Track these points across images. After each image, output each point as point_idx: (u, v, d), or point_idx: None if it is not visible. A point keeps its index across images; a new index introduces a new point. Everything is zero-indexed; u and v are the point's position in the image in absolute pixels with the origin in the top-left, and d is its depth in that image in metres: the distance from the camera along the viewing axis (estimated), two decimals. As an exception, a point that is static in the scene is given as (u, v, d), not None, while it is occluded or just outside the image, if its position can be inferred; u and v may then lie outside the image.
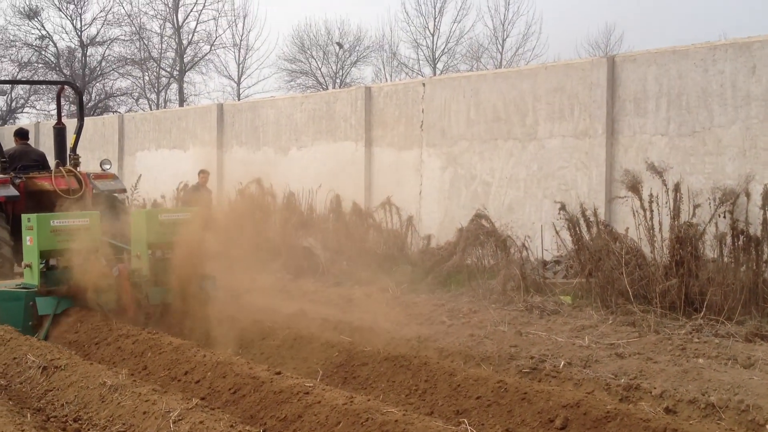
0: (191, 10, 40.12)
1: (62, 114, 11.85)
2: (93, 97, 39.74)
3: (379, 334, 7.43)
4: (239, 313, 8.22)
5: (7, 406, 5.46)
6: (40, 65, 39.38)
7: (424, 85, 13.02)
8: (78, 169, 10.55)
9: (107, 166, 11.70)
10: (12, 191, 9.84)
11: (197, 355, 6.61)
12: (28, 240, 8.46)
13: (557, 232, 9.23)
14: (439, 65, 39.44)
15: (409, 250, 12.02)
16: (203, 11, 40.14)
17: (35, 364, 6.69)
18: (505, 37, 39.30)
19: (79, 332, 8.10)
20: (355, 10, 60.26)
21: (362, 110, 13.83)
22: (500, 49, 39.34)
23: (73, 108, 38.28)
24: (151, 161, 18.43)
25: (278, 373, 5.91)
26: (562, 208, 9.18)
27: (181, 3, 39.78)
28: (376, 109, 13.72)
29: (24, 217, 8.61)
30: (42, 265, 8.40)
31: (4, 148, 10.66)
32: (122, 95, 41.01)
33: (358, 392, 5.67)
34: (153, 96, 41.51)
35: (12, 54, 39.19)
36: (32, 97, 40.21)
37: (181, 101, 39.33)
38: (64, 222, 8.50)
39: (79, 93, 12.57)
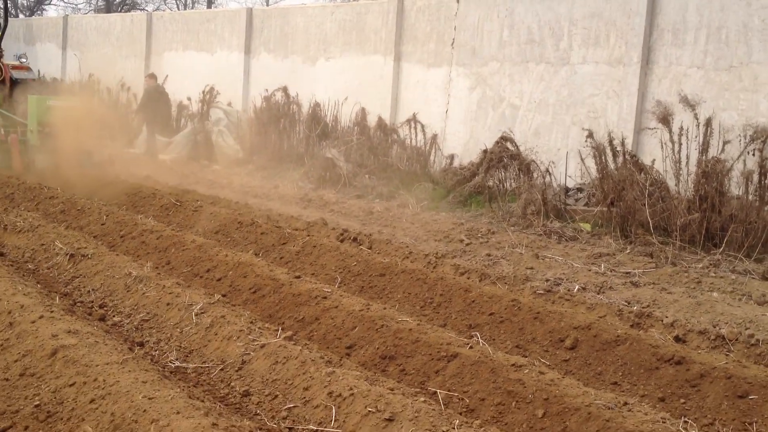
0: None
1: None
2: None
3: (398, 248, 7.53)
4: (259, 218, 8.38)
5: (36, 289, 5.64)
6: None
7: (457, 1, 12.75)
8: (1, 60, 13.01)
9: (24, 60, 14.43)
10: None
11: (219, 254, 6.76)
12: None
13: (582, 160, 9.19)
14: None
15: (432, 169, 12.03)
16: None
17: (63, 251, 6.87)
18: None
19: (106, 224, 8.30)
20: None
21: (393, 24, 13.61)
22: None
23: (91, 2, 37.87)
24: (179, 62, 18.33)
25: (297, 277, 6.05)
26: (590, 135, 9.11)
27: None
28: (407, 23, 13.50)
29: None
30: None
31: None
32: (150, -7, 40.42)
33: (374, 301, 5.80)
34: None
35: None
36: (61, -10, 39.80)
37: (209, 3, 38.71)
38: None
39: (5, 1, 14.17)
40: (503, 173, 10.26)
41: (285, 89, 14.53)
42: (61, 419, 3.77)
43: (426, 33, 13.16)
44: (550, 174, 9.60)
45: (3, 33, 13.32)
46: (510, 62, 11.82)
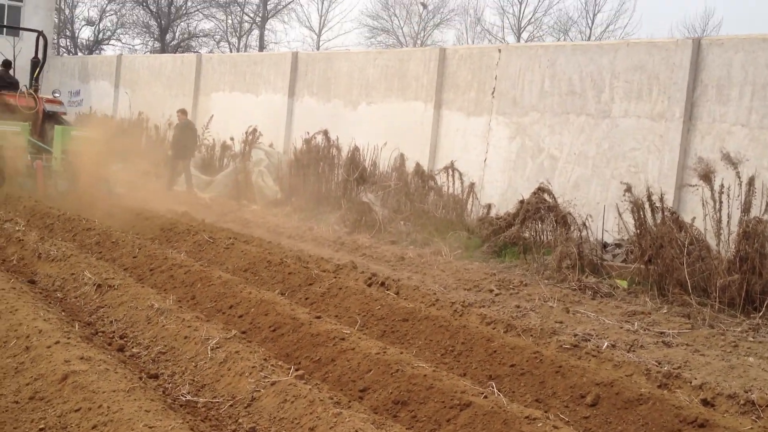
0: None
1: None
2: (176, 36, 40.30)
3: (425, 294, 7.43)
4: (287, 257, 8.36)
5: (58, 316, 5.67)
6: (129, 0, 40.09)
7: (499, 51, 12.79)
8: (37, 93, 14.24)
9: (57, 94, 15.27)
10: None
11: (243, 291, 6.74)
12: None
13: (620, 214, 9.01)
14: (524, 35, 38.53)
15: (468, 217, 11.91)
16: (291, -41, 40.14)
17: (91, 281, 6.92)
18: (596, 11, 38.12)
19: (138, 257, 8.36)
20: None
21: (435, 71, 13.68)
22: (590, 24, 38.17)
23: (147, 43, 38.98)
24: (225, 103, 18.66)
25: (318, 317, 5.99)
26: (628, 189, 8.94)
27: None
28: (448, 71, 13.55)
29: None
30: None
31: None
32: (204, 36, 41.52)
33: (394, 346, 5.69)
34: (234, 40, 41.95)
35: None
36: (118, 31, 41.09)
37: (261, 48, 39.59)
38: (2, 127, 12.45)
39: (45, 39, 15.30)
40: (539, 225, 10.12)
41: (326, 132, 14.63)
42: (64, 446, 3.75)
43: (467, 81, 13.20)
44: (587, 227, 9.42)
45: (41, 69, 14.90)
46: (550, 113, 11.76)
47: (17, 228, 9.02)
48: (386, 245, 10.99)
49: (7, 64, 14.88)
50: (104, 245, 8.97)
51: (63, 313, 6.08)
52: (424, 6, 43.43)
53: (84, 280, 7.02)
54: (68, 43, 41.22)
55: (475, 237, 10.85)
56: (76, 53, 39.25)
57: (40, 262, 7.86)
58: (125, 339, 5.80)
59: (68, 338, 4.86)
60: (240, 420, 4.30)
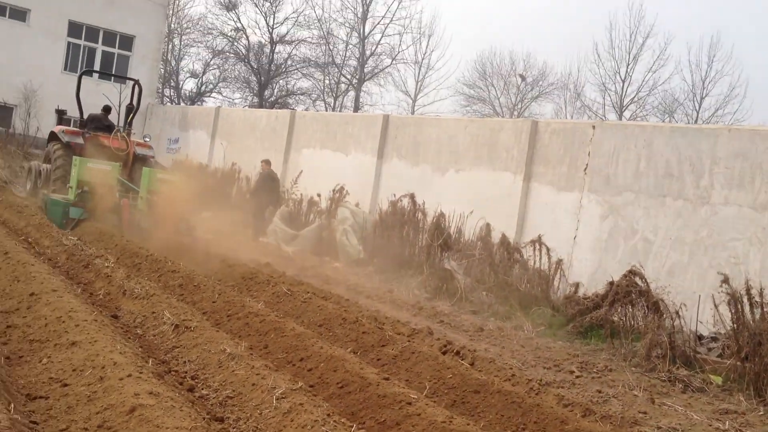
0: (378, 23, 41.21)
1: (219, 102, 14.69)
2: (274, 93, 41.52)
3: (501, 368, 7.14)
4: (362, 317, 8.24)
5: (134, 351, 5.68)
6: (231, 55, 41.65)
7: (593, 127, 12.56)
8: (129, 137, 15.34)
9: (147, 139, 16.51)
10: (79, 140, 14.74)
11: (315, 345, 6.65)
12: (73, 172, 13.29)
13: (716, 306, 8.53)
14: (626, 113, 37.70)
15: (554, 294, 11.54)
16: (390, 25, 41.11)
17: (169, 321, 6.96)
18: (703, 95, 37.07)
19: (217, 302, 8.39)
20: (544, 44, 59.35)
21: (526, 143, 13.52)
22: (697, 108, 37.07)
23: (246, 98, 40.24)
24: (314, 160, 18.94)
25: (386, 379, 5.83)
26: (726, 281, 8.48)
27: (369, 15, 40.95)
28: (540, 144, 13.38)
29: (74, 157, 13.57)
30: (78, 189, 13.04)
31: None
32: (301, 95, 42.58)
33: (462, 417, 5.45)
34: (330, 100, 42.88)
35: (208, 41, 41.83)
36: (220, 84, 42.68)
37: (356, 109, 40.33)
38: (95, 165, 13.39)
39: (140, 88, 16.80)
40: (629, 309, 9.68)
41: (412, 196, 14.60)
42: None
43: (559, 156, 12.98)
44: (680, 316, 8.95)
45: (134, 114, 16.33)
46: (645, 194, 11.40)
47: (106, 264, 9.22)
48: (466, 314, 10.74)
49: (108, 109, 16.21)
50: (186, 288, 9.06)
51: (140, 349, 6.11)
52: (523, 78, 43.54)
53: (163, 320, 7.07)
54: (172, 93, 43.03)
55: (559, 315, 10.48)
56: (179, 103, 40.89)
57: (124, 298, 7.98)
58: (196, 380, 5.77)
59: (140, 373, 4.84)
60: (300, 474, 4.15)
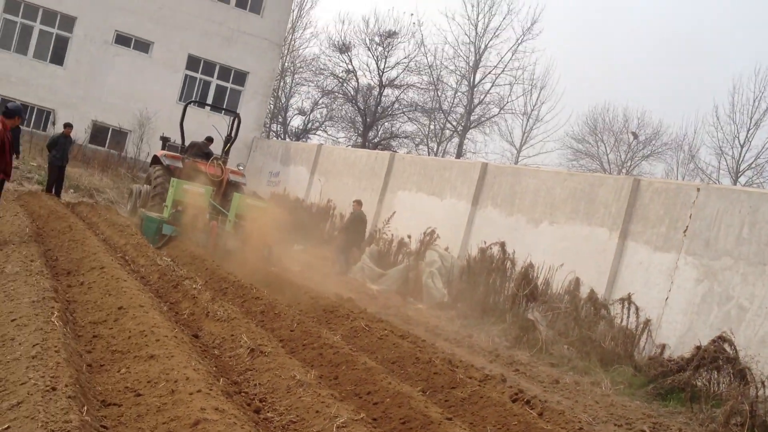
0: (489, 72, 41.22)
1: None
2: (378, 134, 42.20)
3: (569, 421, 6.97)
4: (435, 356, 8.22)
5: (208, 369, 5.88)
6: (340, 95, 42.67)
7: (698, 190, 12.22)
8: (225, 165, 16.30)
9: (241, 167, 17.51)
10: (178, 164, 15.80)
11: (384, 381, 6.69)
12: (170, 191, 14.22)
13: (805, 380, 8.13)
14: (742, 179, 36.24)
15: (639, 354, 11.21)
16: (501, 75, 41.09)
17: (246, 345, 7.15)
18: (825, 165, 35.37)
19: (295, 331, 8.56)
20: (661, 104, 58.15)
21: (625, 201, 13.27)
22: (817, 176, 35.39)
23: (351, 138, 41.01)
24: (409, 202, 19.12)
25: (449, 419, 5.82)
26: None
27: (481, 64, 41.13)
28: (640, 203, 13.11)
29: (171, 179, 14.64)
30: (172, 209, 13.95)
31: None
32: (405, 138, 43.02)
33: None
34: (433, 145, 43.16)
35: (319, 81, 43.01)
36: (326, 123, 43.75)
37: (459, 155, 40.41)
38: (191, 187, 14.29)
39: (239, 120, 18.02)
40: (714, 375, 9.33)
41: (503, 245, 14.54)
42: (180, 482, 3.85)
43: (658, 215, 12.67)
44: (765, 387, 8.55)
45: (231, 144, 17.49)
46: (745, 261, 10.97)
47: (194, 286, 9.56)
48: (544, 366, 10.55)
49: (210, 139, 17.54)
50: (267, 315, 9.28)
51: (214, 368, 6.31)
52: (635, 136, 42.73)
53: (240, 343, 7.27)
54: (279, 129, 44.38)
55: (641, 375, 10.16)
56: (284, 138, 42.11)
57: (206, 319, 8.25)
58: (263, 402, 5.90)
59: (210, 390, 5.00)
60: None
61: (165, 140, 17.72)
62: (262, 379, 6.41)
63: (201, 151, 16.75)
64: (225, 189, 15.70)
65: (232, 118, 18.02)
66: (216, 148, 17.72)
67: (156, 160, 16.57)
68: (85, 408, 4.21)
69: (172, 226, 13.86)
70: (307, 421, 5.38)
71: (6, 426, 3.81)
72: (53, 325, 5.59)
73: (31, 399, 4.08)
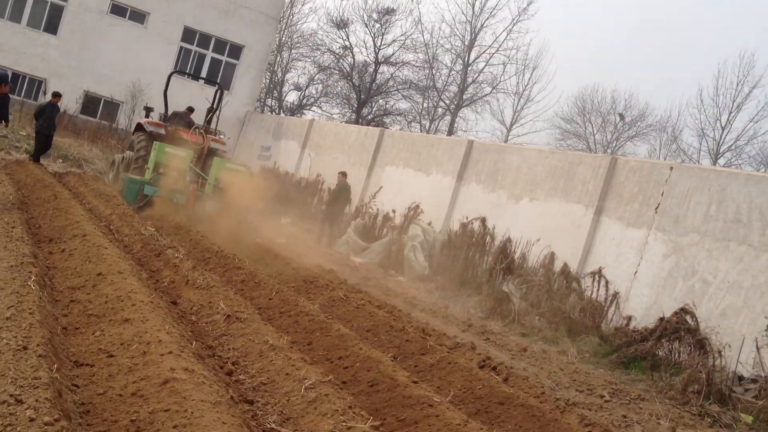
0: (484, 51, 41.39)
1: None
2: (372, 111, 42.37)
3: (532, 386, 7.36)
4: (408, 325, 8.58)
5: (182, 334, 6.21)
6: (335, 71, 42.75)
7: (671, 168, 12.57)
8: (206, 133, 16.75)
9: (221, 135, 17.75)
10: (161, 131, 16.36)
11: (355, 347, 7.04)
12: (152, 154, 14.86)
13: (758, 349, 8.53)
14: (721, 161, 36.95)
15: (606, 326, 11.63)
16: (495, 55, 41.26)
17: (222, 311, 7.49)
18: (805, 147, 36.04)
19: (273, 299, 8.91)
20: (649, 86, 58.44)
21: (602, 179, 13.63)
22: (795, 160, 36.11)
23: (345, 114, 41.17)
24: (396, 177, 19.44)
25: (415, 382, 6.16)
26: (774, 326, 8.48)
27: (476, 43, 41.27)
28: (616, 180, 13.46)
29: (154, 143, 15.22)
30: (154, 172, 14.67)
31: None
32: (398, 115, 43.22)
33: (482, 424, 5.74)
34: (426, 123, 43.38)
35: (316, 56, 43.07)
36: (321, 99, 43.87)
37: (450, 133, 40.69)
38: (172, 150, 14.94)
39: (221, 90, 18.85)
40: (676, 345, 9.74)
41: (483, 220, 14.90)
42: (145, 436, 4.19)
43: (632, 193, 13.04)
44: (722, 356, 8.97)
45: (212, 114, 18.21)
46: (711, 237, 11.36)
47: (176, 255, 9.87)
48: (515, 336, 10.95)
49: (191, 109, 18.55)
50: (248, 284, 9.62)
51: (190, 333, 6.62)
52: (622, 117, 43.12)
53: (217, 309, 7.60)
54: (274, 104, 44.47)
55: (606, 345, 10.59)
56: (279, 114, 42.23)
57: (186, 287, 8.57)
58: (236, 365, 6.24)
59: (181, 352, 5.33)
60: (308, 454, 4.55)
61: (148, 110, 18.33)
62: (236, 344, 6.75)
63: (183, 120, 17.47)
64: (206, 156, 16.37)
65: (216, 89, 18.66)
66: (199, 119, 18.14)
67: (139, 127, 17.19)
68: (55, 366, 4.52)
69: (153, 187, 14.55)
70: (277, 383, 5.73)
71: (-25, 382, 4.13)
72: (29, 288, 5.90)
73: (2, 357, 4.36)
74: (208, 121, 17.99)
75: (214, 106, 18.34)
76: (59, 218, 10.61)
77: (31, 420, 3.72)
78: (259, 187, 15.17)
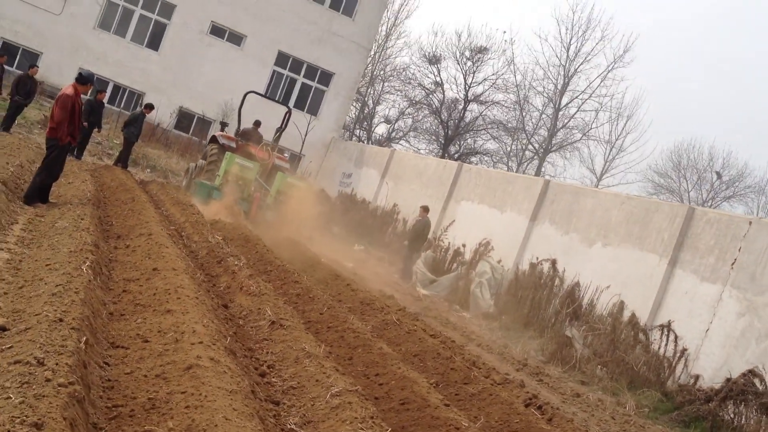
0: (576, 97, 40.80)
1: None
2: (461, 149, 42.25)
3: (575, 429, 7.05)
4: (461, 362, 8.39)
5: (217, 328, 6.24)
6: (425, 106, 42.94)
7: (750, 223, 12.00)
8: (273, 151, 18.14)
9: (287, 155, 19.44)
10: (232, 144, 17.63)
11: (394, 366, 6.92)
12: (223, 163, 16.42)
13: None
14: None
15: (671, 382, 11.10)
16: (588, 101, 40.64)
17: (267, 317, 7.52)
18: None
19: (324, 314, 8.89)
20: (749, 145, 56.43)
21: (678, 229, 13.12)
22: None
23: (432, 150, 41.18)
24: (470, 212, 19.26)
25: (447, 405, 5.99)
26: None
27: (569, 88, 40.78)
28: (692, 232, 12.93)
29: (226, 153, 16.65)
30: (223, 179, 16.12)
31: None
32: (485, 155, 42.91)
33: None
34: (513, 165, 42.95)
35: (407, 90, 43.42)
36: (409, 133, 44.12)
37: (538, 172, 40.12)
38: (241, 161, 16.43)
39: (290, 113, 19.92)
40: (741, 409, 9.20)
41: (554, 262, 14.57)
42: (159, 413, 4.30)
43: (709, 246, 12.49)
44: (789, 423, 8.40)
45: (280, 133, 19.55)
46: (791, 299, 10.74)
47: (236, 263, 9.99)
48: (573, 382, 10.57)
49: (258, 123, 20.46)
50: (302, 297, 9.62)
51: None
52: (719, 176, 41.67)
53: (264, 316, 7.63)
54: (362, 135, 44.98)
55: (668, 402, 10.09)
56: (367, 142, 42.63)
57: (239, 293, 8.65)
58: (271, 368, 6.24)
59: (212, 344, 5.36)
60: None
61: (223, 125, 20.23)
62: (275, 349, 6.75)
63: (254, 138, 19.19)
64: (270, 171, 17.59)
65: (286, 111, 20.01)
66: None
67: (213, 139, 18.47)
68: (85, 338, 4.61)
69: (220, 192, 15.98)
70: (306, 388, 5.69)
71: (9, 346, 4.25)
72: (81, 272, 6.06)
73: (39, 327, 4.51)
74: (276, 140, 19.39)
75: (282, 126, 19.64)
76: (131, 218, 10.92)
77: (47, 380, 3.81)
78: (318, 200, 16.67)
